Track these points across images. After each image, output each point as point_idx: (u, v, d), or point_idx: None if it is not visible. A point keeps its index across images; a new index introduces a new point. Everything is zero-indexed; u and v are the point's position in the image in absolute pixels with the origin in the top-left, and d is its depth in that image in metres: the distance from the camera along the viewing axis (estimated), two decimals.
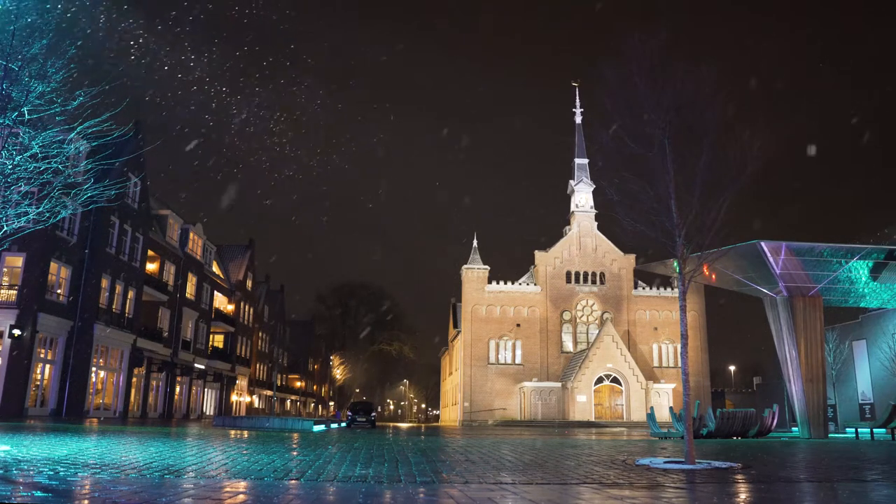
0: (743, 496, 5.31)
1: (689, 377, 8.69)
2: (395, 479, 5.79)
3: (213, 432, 16.98)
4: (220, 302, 53.94)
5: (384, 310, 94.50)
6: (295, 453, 8.78)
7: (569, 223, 63.38)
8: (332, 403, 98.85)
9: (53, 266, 29.78)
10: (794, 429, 20.04)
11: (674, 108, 8.58)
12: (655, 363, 59.97)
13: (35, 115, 8.74)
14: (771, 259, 21.25)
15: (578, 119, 64.61)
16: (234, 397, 57.36)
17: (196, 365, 46.93)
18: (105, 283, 33.20)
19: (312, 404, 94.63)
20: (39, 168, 8.70)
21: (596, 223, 62.37)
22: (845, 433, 27.12)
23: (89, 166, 11.35)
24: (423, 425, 54.98)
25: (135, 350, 36.47)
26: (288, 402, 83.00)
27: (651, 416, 23.64)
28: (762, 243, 20.97)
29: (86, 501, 4.28)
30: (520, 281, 61.91)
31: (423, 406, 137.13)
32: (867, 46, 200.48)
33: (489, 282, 60.66)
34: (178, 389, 44.47)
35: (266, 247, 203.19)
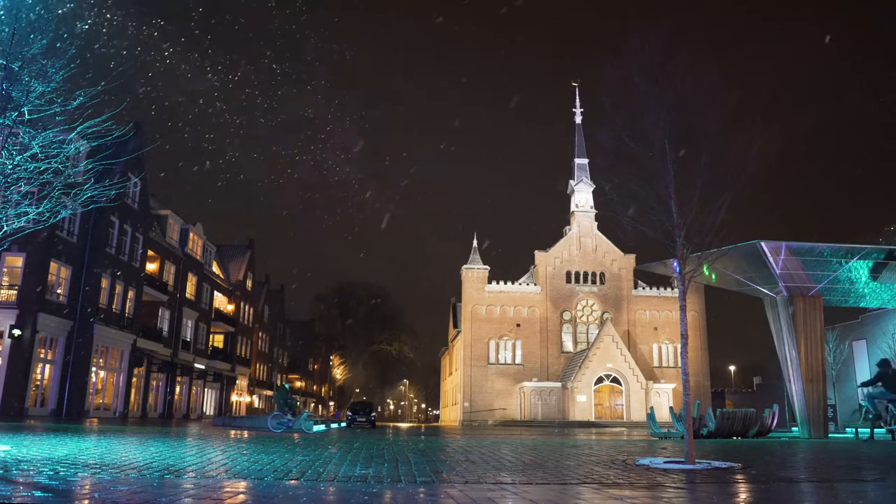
0: (743, 496, 5.31)
1: (689, 377, 8.69)
2: (395, 479, 5.79)
3: (213, 432, 16.98)
4: (220, 302, 53.96)
5: (384, 310, 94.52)
6: (295, 453, 8.78)
7: (569, 223, 63.39)
8: (332, 403, 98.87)
9: (53, 266, 29.78)
10: (794, 429, 20.03)
11: (674, 108, 8.57)
12: (655, 363, 59.98)
13: (35, 115, 8.74)
14: (771, 259, 21.23)
15: (578, 119, 64.68)
16: (234, 397, 57.38)
17: (196, 365, 46.94)
18: (105, 283, 33.21)
19: (312, 404, 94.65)
20: (39, 168, 8.70)
21: (596, 223, 62.38)
22: (845, 433, 27.11)
23: (89, 166, 11.34)
24: (423, 425, 54.99)
25: (135, 350, 36.48)
26: None
27: (651, 416, 23.61)
28: (762, 243, 20.95)
29: (86, 501, 4.28)
30: (520, 281, 61.92)
31: (423, 406, 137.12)
32: (869, 45, 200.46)
33: (489, 282, 60.66)
34: (178, 389, 44.50)
35: (266, 247, 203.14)
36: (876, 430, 19.83)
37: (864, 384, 17.77)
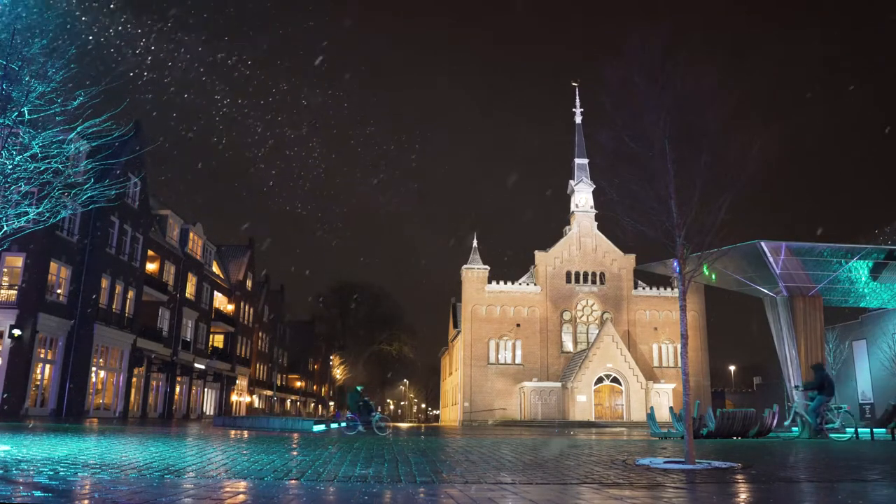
0: (743, 496, 5.31)
1: (689, 377, 8.68)
2: (395, 479, 5.79)
3: (213, 432, 16.98)
4: (220, 302, 53.96)
5: (384, 310, 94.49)
6: (295, 453, 8.78)
7: (569, 223, 63.38)
8: (332, 403, 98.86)
9: (53, 266, 29.78)
10: (794, 429, 20.06)
11: (674, 108, 8.56)
12: (655, 363, 59.97)
13: (35, 115, 8.74)
14: (771, 259, 21.25)
15: (578, 119, 64.66)
16: (234, 397, 57.38)
17: (196, 365, 46.94)
18: (105, 283, 33.21)
19: (312, 404, 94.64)
20: (39, 168, 8.70)
21: (596, 223, 62.37)
22: (845, 433, 27.07)
23: (89, 166, 11.34)
24: (423, 425, 54.99)
25: (135, 350, 36.48)
26: (288, 402, 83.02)
27: (651, 416, 23.59)
28: (762, 243, 20.97)
29: (86, 501, 4.28)
30: (520, 281, 61.91)
31: (423, 406, 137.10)
32: (869, 45, 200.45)
33: (489, 282, 60.66)
34: (178, 389, 44.50)
35: (266, 247, 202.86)
36: (876, 430, 19.86)
37: (807, 387, 18.19)
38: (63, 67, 8.81)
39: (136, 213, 36.22)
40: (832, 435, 17.31)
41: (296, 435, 16.50)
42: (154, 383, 40.62)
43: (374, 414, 19.65)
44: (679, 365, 58.13)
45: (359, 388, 21.05)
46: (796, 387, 19.52)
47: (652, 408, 28.65)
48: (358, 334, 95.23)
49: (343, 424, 19.70)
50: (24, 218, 8.74)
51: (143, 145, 34.62)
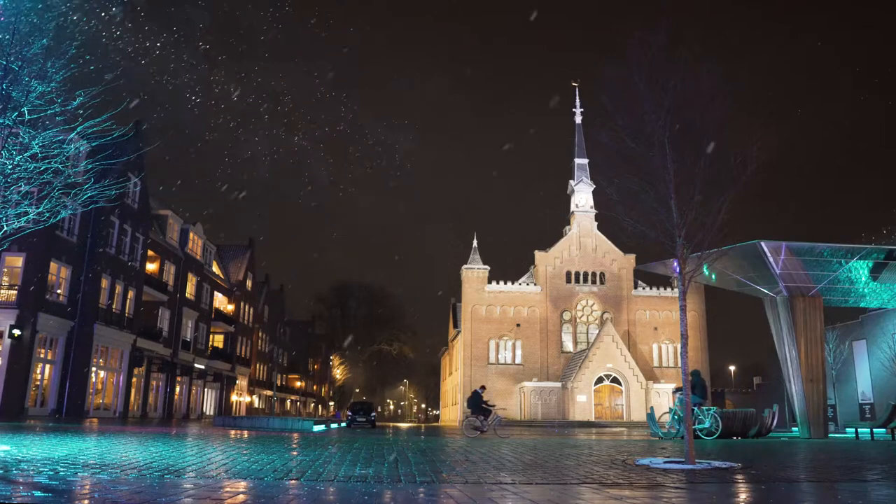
0: (743, 496, 5.31)
1: (689, 377, 8.68)
2: (395, 479, 5.79)
3: (213, 432, 16.98)
4: (220, 302, 53.95)
5: (384, 310, 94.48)
6: (295, 453, 8.78)
7: (569, 223, 63.39)
8: (332, 403, 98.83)
9: (53, 266, 29.77)
10: (794, 429, 20.08)
11: (674, 108, 8.56)
12: (655, 363, 59.98)
13: (35, 115, 8.73)
14: (771, 259, 21.25)
15: (578, 119, 64.65)
16: (234, 397, 57.37)
17: (196, 365, 46.94)
18: (105, 283, 33.20)
19: (312, 404, 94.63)
20: (39, 168, 8.69)
21: (596, 223, 62.37)
22: (845, 433, 27.10)
23: (89, 166, 11.33)
24: (422, 425, 54.97)
25: (135, 350, 36.47)
26: (288, 402, 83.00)
27: (651, 416, 23.62)
28: (762, 243, 20.96)
29: (86, 501, 4.28)
30: (520, 281, 61.92)
31: (423, 406, 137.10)
32: (869, 44, 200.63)
33: (489, 282, 60.67)
34: (178, 389, 44.49)
35: (266, 246, 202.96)
36: (876, 430, 19.89)
37: (679, 389, 19.04)
38: (63, 67, 8.81)
39: (136, 213, 36.22)
40: (702, 435, 17.79)
41: (296, 435, 16.51)
42: (154, 383, 40.61)
43: (496, 416, 19.05)
44: (679, 365, 58.13)
45: (479, 391, 19.71)
46: (674, 390, 20.18)
47: (652, 408, 28.66)
48: (358, 334, 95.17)
49: (343, 424, 19.60)
50: (24, 218, 8.74)
51: (144, 146, 34.60)
